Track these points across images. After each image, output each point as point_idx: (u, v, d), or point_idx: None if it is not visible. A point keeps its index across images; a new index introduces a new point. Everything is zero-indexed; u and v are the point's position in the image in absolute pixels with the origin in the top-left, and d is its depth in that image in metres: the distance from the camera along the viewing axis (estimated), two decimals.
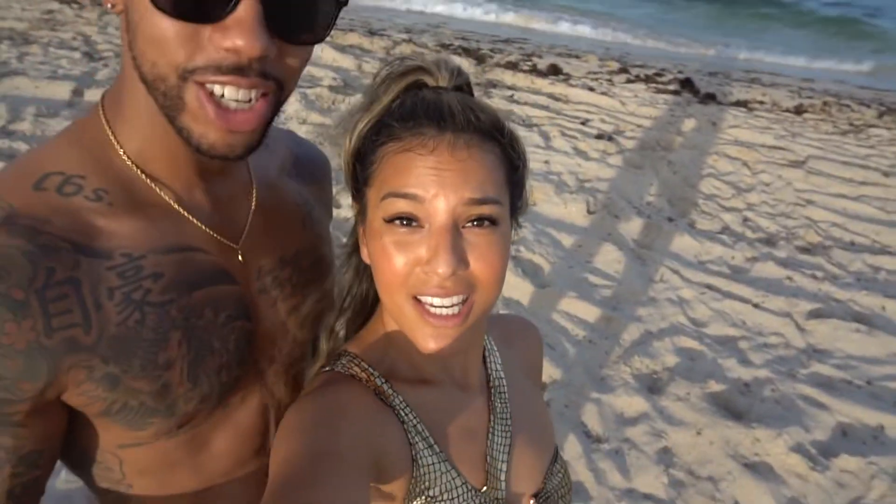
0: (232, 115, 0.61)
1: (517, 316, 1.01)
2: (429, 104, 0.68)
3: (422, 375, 0.77)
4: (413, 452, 0.71)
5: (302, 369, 0.85)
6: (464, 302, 0.68)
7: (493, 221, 0.68)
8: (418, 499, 0.70)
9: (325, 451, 0.62)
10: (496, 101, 6.09)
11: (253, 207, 0.79)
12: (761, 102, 6.88)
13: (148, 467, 0.74)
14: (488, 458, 0.78)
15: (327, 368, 0.76)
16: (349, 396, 0.71)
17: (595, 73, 7.36)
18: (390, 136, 0.68)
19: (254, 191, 0.80)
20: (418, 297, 0.67)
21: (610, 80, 7.07)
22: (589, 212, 4.27)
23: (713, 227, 4.27)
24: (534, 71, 7.12)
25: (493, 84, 6.64)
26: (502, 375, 0.85)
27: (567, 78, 7.00)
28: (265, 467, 0.80)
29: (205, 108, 0.61)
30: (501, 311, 3.22)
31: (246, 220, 0.78)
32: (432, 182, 0.65)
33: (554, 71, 7.16)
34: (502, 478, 0.78)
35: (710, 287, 3.63)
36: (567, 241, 3.93)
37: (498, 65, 7.28)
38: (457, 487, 0.73)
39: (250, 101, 0.62)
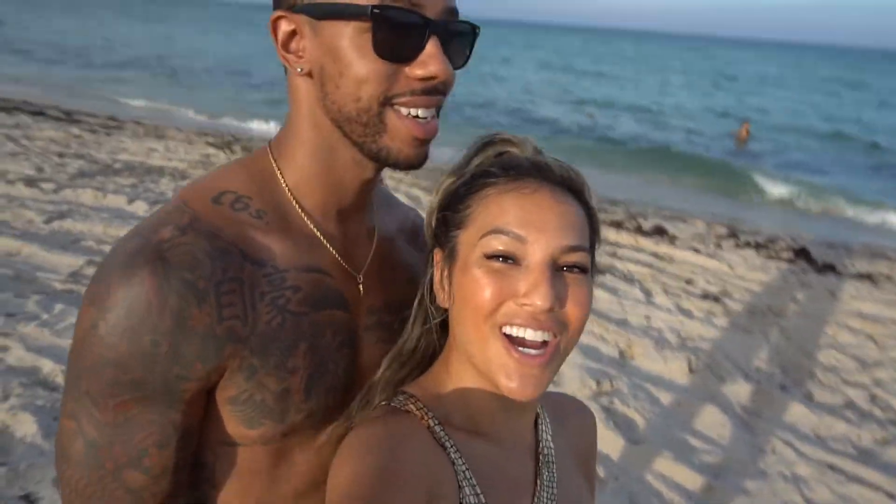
0: (424, 126, 0.75)
1: (572, 397, 0.96)
2: (528, 160, 0.75)
3: (476, 427, 0.75)
4: (461, 496, 0.68)
5: None
6: (549, 343, 0.68)
7: (583, 270, 0.71)
8: None
9: (388, 470, 0.64)
10: (597, 256, 6.13)
11: (373, 249, 0.89)
12: (888, 277, 6.42)
13: (237, 470, 0.78)
14: None
15: (384, 402, 0.77)
16: (408, 429, 0.71)
17: (702, 236, 7.28)
18: (489, 183, 0.74)
19: (375, 236, 0.91)
20: (507, 330, 0.68)
21: (718, 245, 6.95)
22: (691, 370, 4.02)
23: (834, 402, 3.86)
24: (638, 230, 7.17)
25: None
26: (552, 446, 0.81)
27: (672, 239, 6.96)
28: None
29: (405, 124, 0.74)
30: None
31: (366, 258, 0.88)
32: (534, 222, 0.69)
33: (659, 231, 7.17)
34: None
35: (831, 467, 3.21)
36: (666, 398, 3.69)
37: (602, 223, 7.38)
38: None
39: (430, 117, 0.76)
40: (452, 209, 0.76)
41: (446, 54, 0.74)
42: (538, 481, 0.77)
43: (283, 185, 0.81)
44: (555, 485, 0.78)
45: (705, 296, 5.30)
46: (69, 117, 10.59)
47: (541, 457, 0.80)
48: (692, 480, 2.99)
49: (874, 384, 4.12)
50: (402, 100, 0.73)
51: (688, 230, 7.49)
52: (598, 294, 5.15)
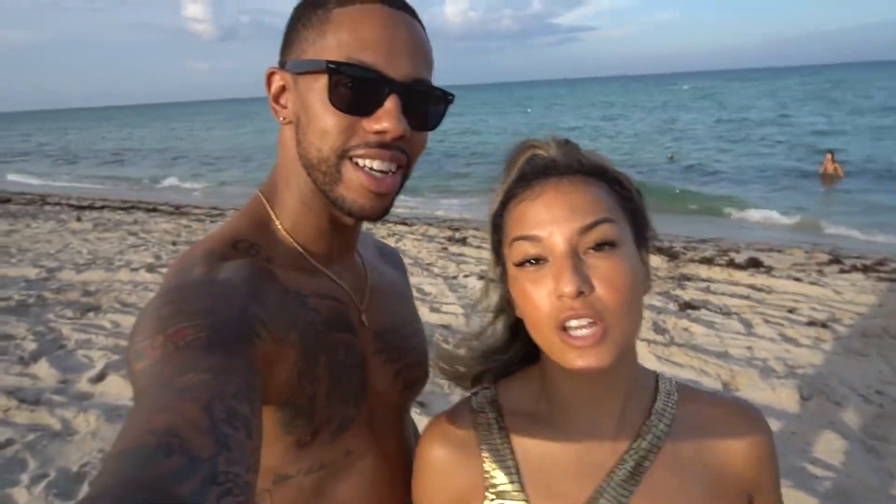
0: (378, 181, 0.81)
1: (744, 406, 0.86)
2: (537, 163, 0.80)
3: (547, 417, 0.84)
4: (487, 482, 0.82)
5: (401, 427, 0.98)
6: (594, 327, 0.71)
7: (611, 244, 0.72)
8: None
9: (417, 481, 0.88)
10: (690, 293, 5.97)
11: (368, 281, 0.96)
12: None
13: None
14: None
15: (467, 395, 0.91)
16: (454, 427, 0.88)
17: (801, 264, 6.94)
18: (511, 198, 0.80)
19: (366, 269, 0.98)
20: (562, 326, 0.72)
21: (819, 271, 6.60)
22: (802, 398, 3.81)
23: None
24: (731, 264, 6.94)
25: (686, 277, 6.56)
26: (660, 445, 0.81)
27: (769, 270, 6.68)
28: None
29: (359, 176, 0.80)
30: None
31: (365, 290, 0.95)
32: (545, 220, 0.74)
33: (754, 264, 6.91)
34: None
35: None
36: (778, 427, 3.51)
37: (692, 260, 7.23)
38: None
39: (389, 171, 0.81)
40: (496, 230, 0.82)
41: (410, 114, 0.79)
42: (611, 474, 0.79)
43: (282, 230, 0.87)
44: (638, 480, 0.79)
45: (811, 323, 5.03)
46: (178, 210, 11.66)
47: (631, 450, 0.80)
48: None
49: None
50: (359, 152, 0.79)
51: (785, 260, 7.17)
52: (694, 328, 5.01)
